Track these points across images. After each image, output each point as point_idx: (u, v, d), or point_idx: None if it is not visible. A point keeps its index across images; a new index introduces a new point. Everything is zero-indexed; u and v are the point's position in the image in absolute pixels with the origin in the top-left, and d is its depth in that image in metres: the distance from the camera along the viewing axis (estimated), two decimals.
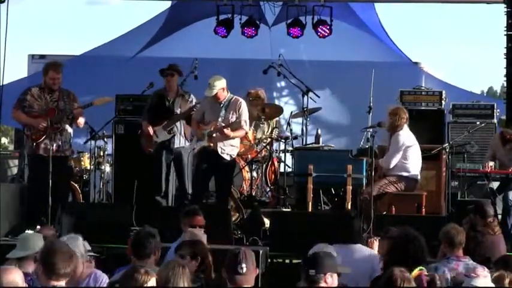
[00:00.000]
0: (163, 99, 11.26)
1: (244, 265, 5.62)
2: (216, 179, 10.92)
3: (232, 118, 10.82)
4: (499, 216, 10.13)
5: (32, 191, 10.61)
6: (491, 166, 10.91)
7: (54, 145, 10.54)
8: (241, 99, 10.99)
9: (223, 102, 10.82)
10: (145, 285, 5.40)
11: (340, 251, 7.32)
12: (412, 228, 6.60)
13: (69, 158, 10.82)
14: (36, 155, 10.68)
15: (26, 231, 7.17)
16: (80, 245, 6.77)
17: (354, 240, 8.10)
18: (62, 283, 5.60)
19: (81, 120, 10.85)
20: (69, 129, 10.80)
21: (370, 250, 8.13)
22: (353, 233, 8.19)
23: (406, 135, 10.75)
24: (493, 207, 9.38)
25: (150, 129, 11.14)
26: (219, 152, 10.76)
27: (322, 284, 5.66)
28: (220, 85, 10.76)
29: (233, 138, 10.88)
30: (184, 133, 11.18)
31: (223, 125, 10.77)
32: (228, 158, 10.84)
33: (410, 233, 6.47)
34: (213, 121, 10.82)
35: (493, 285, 6.12)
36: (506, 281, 6.10)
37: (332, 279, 5.72)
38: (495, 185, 11.05)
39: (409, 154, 10.70)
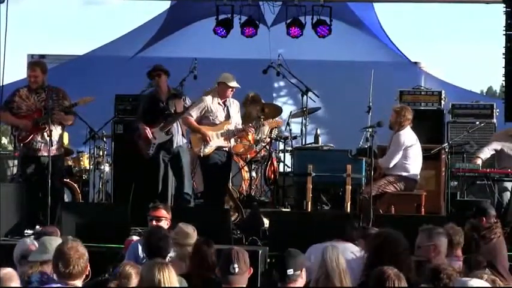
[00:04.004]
0: (157, 101, 11.14)
1: (236, 265, 5.64)
2: (221, 179, 10.93)
3: (237, 118, 10.95)
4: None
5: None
6: (479, 164, 10.98)
7: (42, 145, 10.54)
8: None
9: (227, 101, 10.86)
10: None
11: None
12: (392, 229, 6.54)
13: (59, 157, 10.78)
14: (24, 155, 10.70)
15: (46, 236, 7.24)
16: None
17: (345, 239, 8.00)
18: (77, 282, 5.65)
19: (70, 121, 10.83)
20: (58, 129, 10.75)
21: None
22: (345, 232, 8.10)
23: (407, 135, 10.75)
24: (493, 207, 9.35)
25: (149, 132, 11.05)
26: (231, 152, 10.92)
27: (299, 280, 5.80)
28: None
29: None
30: (182, 132, 11.14)
31: (237, 125, 10.90)
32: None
33: (391, 233, 6.39)
34: (224, 121, 10.83)
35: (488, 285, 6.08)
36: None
37: (305, 274, 5.90)
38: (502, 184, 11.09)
39: (409, 154, 10.70)
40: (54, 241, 6.91)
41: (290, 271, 5.77)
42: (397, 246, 6.15)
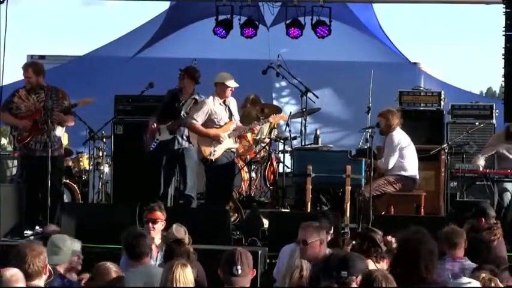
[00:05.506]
0: (175, 99, 11.21)
1: (239, 267, 5.63)
2: (226, 180, 10.95)
3: (237, 115, 10.95)
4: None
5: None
6: (480, 164, 10.99)
7: (41, 145, 10.53)
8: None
9: (226, 100, 10.85)
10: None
11: None
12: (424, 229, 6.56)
13: (59, 158, 10.78)
14: (24, 156, 10.71)
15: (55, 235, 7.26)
16: (68, 243, 6.91)
17: None
18: (38, 282, 5.63)
19: (70, 122, 10.85)
20: (58, 129, 10.74)
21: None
22: None
23: (400, 136, 10.74)
24: (492, 208, 9.35)
25: (154, 126, 11.08)
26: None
27: (353, 285, 5.74)
28: None
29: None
30: (187, 136, 11.11)
31: (240, 124, 10.92)
32: None
33: (424, 234, 6.43)
34: (228, 122, 10.82)
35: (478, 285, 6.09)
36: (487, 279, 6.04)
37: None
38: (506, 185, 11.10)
39: (405, 154, 10.69)
40: (64, 240, 6.93)
41: (344, 273, 5.74)
42: (420, 248, 6.18)
